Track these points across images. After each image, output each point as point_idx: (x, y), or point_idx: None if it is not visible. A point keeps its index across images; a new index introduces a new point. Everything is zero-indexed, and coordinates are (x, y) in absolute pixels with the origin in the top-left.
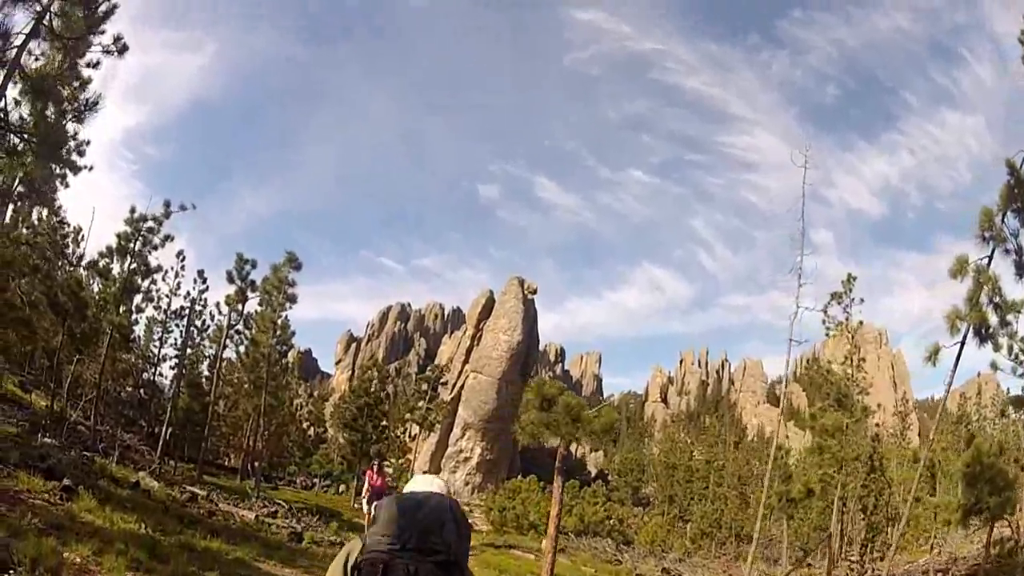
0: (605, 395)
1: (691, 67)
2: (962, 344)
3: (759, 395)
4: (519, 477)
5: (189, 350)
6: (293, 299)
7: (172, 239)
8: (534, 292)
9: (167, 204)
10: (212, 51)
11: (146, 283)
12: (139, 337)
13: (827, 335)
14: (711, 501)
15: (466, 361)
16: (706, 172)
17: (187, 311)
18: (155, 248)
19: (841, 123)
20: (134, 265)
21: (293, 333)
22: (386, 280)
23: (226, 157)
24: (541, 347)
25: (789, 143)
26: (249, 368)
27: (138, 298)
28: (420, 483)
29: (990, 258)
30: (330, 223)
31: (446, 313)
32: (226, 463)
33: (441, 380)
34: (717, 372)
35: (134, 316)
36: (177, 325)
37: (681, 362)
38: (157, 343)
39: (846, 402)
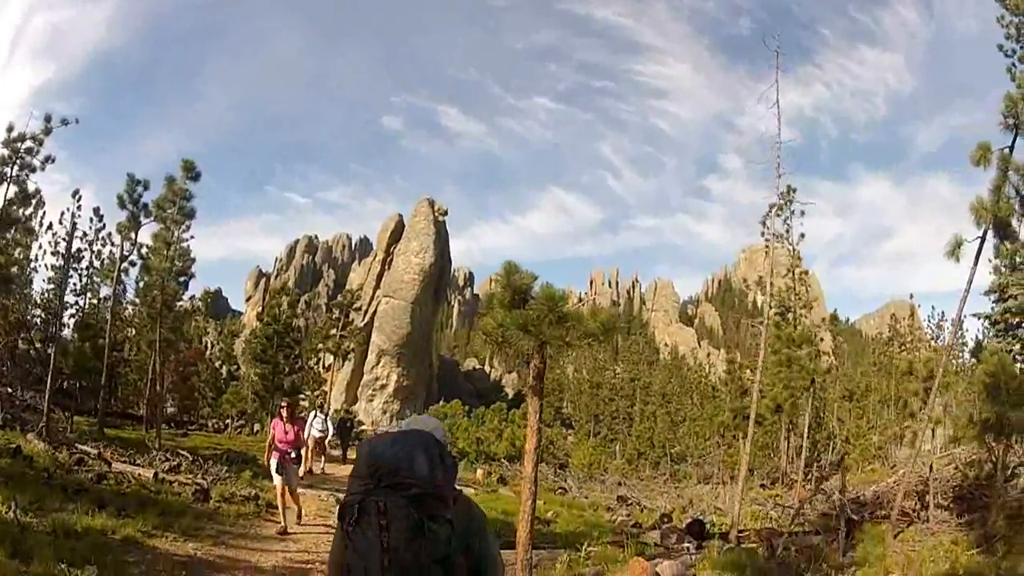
0: None
1: None
2: (982, 239)
3: (671, 315)
4: (441, 403)
5: (88, 294)
6: (191, 214)
7: (53, 160)
8: (445, 214)
9: (47, 119)
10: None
11: (26, 212)
12: (46, 291)
13: (766, 247)
14: (641, 420)
15: (377, 287)
16: (615, 99)
17: (67, 241)
18: (33, 171)
19: (754, 55)
20: (12, 192)
21: (193, 259)
22: (293, 215)
23: (132, 105)
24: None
25: (700, 71)
26: (143, 299)
27: (48, 250)
28: (412, 422)
29: (1012, 146)
30: (234, 161)
31: (354, 243)
32: (139, 413)
33: (353, 306)
34: (628, 292)
35: (33, 260)
36: (75, 269)
37: (591, 283)
38: (58, 292)
39: (787, 316)
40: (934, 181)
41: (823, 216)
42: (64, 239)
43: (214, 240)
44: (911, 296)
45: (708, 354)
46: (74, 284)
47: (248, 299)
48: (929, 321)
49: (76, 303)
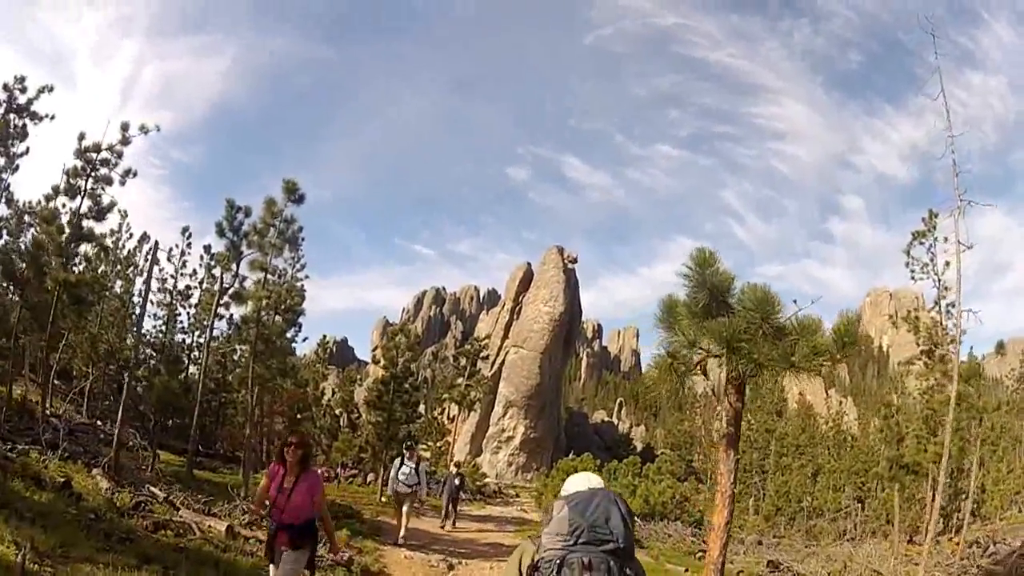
0: (643, 370)
1: (715, 40)
2: None
3: None
4: (570, 456)
5: (197, 332)
6: (293, 240)
7: (135, 174)
8: (574, 261)
9: (124, 127)
10: (233, 54)
11: (101, 229)
12: (155, 327)
13: (912, 278)
14: (775, 473)
15: (505, 337)
16: (735, 143)
17: (147, 272)
18: (110, 183)
19: (867, 89)
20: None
21: (303, 294)
22: (421, 266)
23: (253, 156)
24: None
25: (815, 110)
26: (238, 332)
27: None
28: (579, 481)
29: None
30: (362, 213)
31: (481, 295)
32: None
33: (480, 355)
34: None
35: (137, 295)
36: (183, 306)
37: None
38: (162, 326)
39: (935, 354)
40: None
41: (944, 254)
42: (171, 276)
43: (343, 290)
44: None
45: (840, 402)
46: (182, 322)
47: (374, 350)
48: None
49: (183, 341)
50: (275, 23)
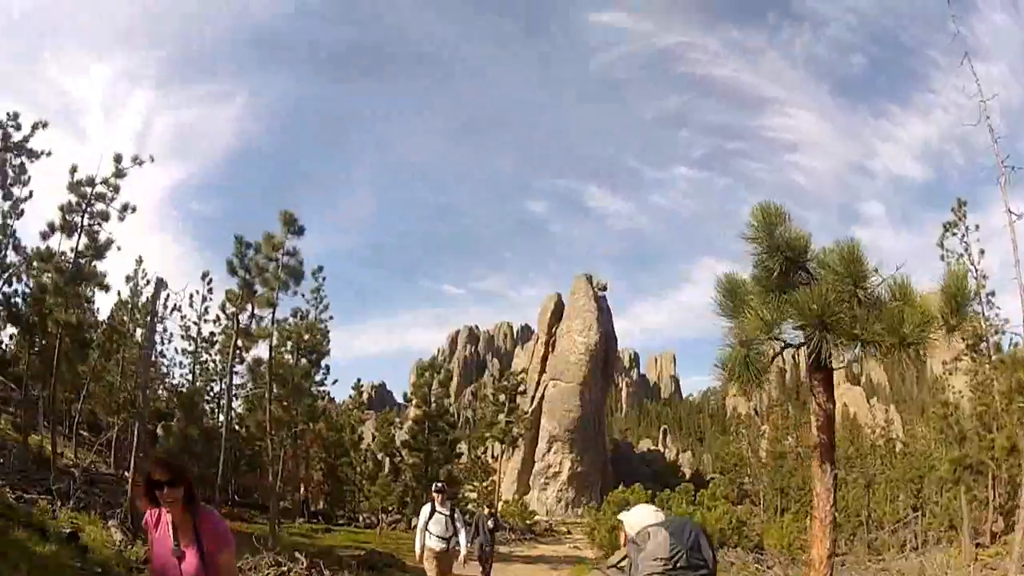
0: (684, 395)
1: (716, 55)
2: None
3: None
4: (620, 488)
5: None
6: (297, 275)
7: (134, 210)
8: (604, 289)
9: (117, 159)
10: (242, 101)
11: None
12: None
13: (949, 266)
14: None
15: (542, 371)
16: (748, 159)
17: (152, 303)
18: (106, 219)
19: (871, 91)
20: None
21: (326, 334)
22: (450, 306)
23: (270, 203)
24: None
25: (825, 118)
26: (250, 374)
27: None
28: (647, 513)
29: None
30: (386, 257)
31: (515, 331)
32: (282, 505)
33: (519, 390)
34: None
35: (160, 344)
36: (208, 354)
37: None
38: (188, 375)
39: (981, 346)
40: None
41: (976, 243)
42: (194, 323)
43: (378, 333)
44: None
45: (886, 410)
46: (208, 369)
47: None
48: None
49: (209, 388)
50: (280, 64)
